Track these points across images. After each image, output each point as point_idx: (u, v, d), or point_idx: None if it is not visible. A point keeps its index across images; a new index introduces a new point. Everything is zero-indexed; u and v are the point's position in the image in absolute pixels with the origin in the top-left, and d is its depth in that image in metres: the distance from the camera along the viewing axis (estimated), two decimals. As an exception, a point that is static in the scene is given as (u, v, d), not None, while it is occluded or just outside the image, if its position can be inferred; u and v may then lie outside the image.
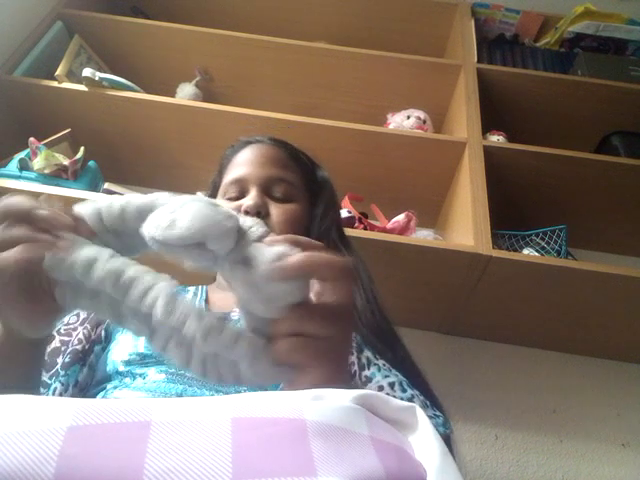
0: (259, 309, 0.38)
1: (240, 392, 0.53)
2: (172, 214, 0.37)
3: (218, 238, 0.37)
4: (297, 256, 0.36)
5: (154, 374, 0.57)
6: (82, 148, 1.16)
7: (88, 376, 0.63)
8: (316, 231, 0.75)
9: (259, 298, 0.37)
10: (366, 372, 0.61)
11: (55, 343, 0.64)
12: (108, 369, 0.61)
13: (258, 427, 0.30)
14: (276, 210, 0.70)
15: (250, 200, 0.69)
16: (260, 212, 0.68)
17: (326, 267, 0.37)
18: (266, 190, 0.72)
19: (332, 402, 0.34)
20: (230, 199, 0.73)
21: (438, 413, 0.60)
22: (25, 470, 0.25)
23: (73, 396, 0.60)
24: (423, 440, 0.34)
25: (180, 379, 0.57)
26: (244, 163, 0.76)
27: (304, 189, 0.78)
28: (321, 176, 0.84)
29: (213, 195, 0.83)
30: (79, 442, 0.28)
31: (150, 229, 0.37)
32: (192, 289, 0.74)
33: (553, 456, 1.05)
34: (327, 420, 0.31)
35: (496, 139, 1.36)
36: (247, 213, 0.68)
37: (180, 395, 0.53)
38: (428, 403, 0.60)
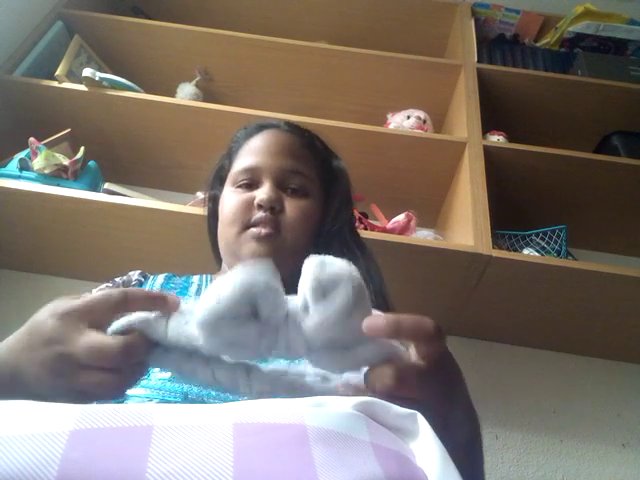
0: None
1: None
2: (214, 291, 0.36)
3: (265, 295, 0.36)
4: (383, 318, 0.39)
5: (159, 372, 0.57)
6: (82, 148, 1.15)
7: None
8: (328, 229, 0.72)
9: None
10: None
11: None
12: None
13: (259, 432, 0.30)
14: (290, 205, 0.67)
15: (264, 194, 0.66)
16: (274, 207, 0.66)
17: (413, 329, 0.41)
18: (280, 183, 0.69)
19: (333, 408, 0.34)
20: (240, 187, 0.70)
21: None
22: (28, 473, 0.26)
23: None
24: (424, 447, 0.34)
25: None
26: (258, 151, 0.72)
27: (318, 182, 0.74)
28: (336, 166, 0.80)
29: (217, 178, 0.80)
30: (82, 446, 0.28)
31: (198, 313, 0.37)
32: (196, 279, 0.71)
33: (553, 456, 1.05)
34: (328, 426, 0.32)
35: (496, 139, 1.36)
36: (260, 207, 0.66)
37: (185, 394, 0.53)
38: None
